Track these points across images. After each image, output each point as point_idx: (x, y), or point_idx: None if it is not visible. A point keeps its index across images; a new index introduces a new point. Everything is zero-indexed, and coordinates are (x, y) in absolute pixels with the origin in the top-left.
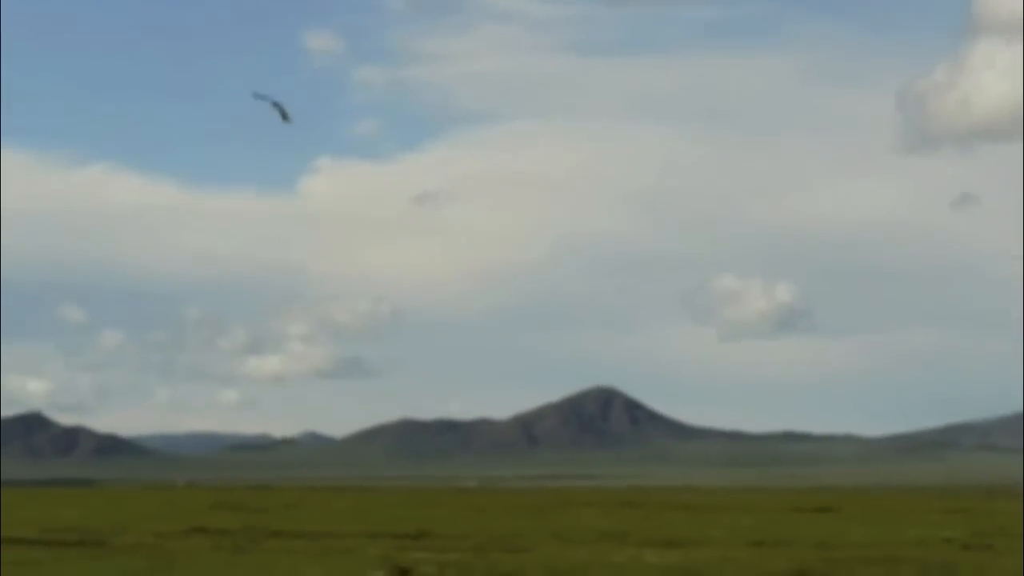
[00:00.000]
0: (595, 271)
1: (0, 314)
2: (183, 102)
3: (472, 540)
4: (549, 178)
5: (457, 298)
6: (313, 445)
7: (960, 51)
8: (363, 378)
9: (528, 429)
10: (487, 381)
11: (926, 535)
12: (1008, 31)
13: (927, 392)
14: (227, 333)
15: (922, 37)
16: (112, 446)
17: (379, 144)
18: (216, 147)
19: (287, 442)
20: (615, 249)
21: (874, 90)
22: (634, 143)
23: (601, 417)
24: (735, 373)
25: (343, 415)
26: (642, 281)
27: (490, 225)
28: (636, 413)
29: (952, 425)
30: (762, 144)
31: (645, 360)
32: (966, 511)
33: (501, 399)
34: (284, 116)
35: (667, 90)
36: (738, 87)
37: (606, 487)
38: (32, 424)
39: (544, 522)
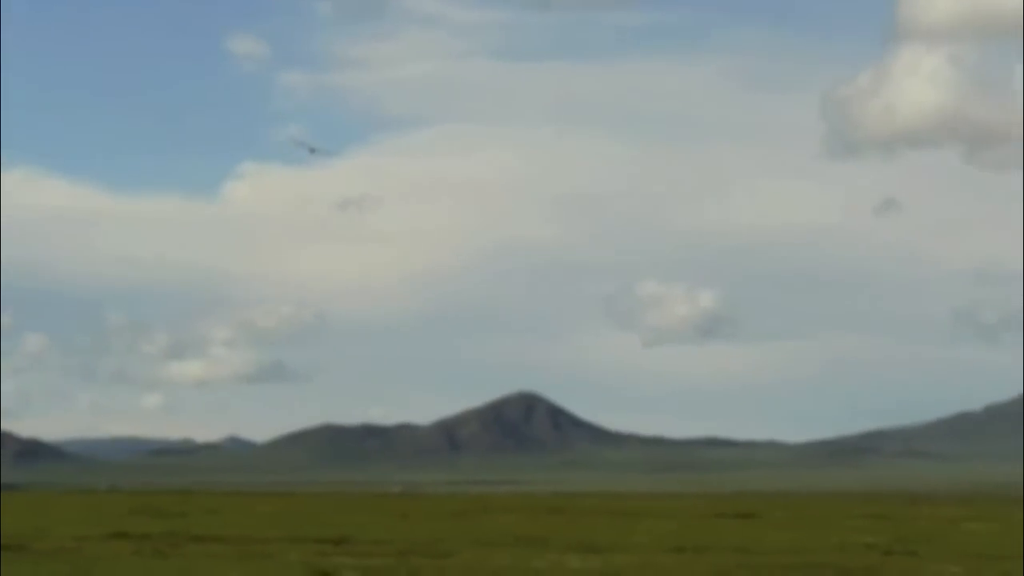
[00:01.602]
0: (519, 276)
1: None
2: (107, 106)
3: (394, 545)
4: (474, 184)
5: (380, 303)
6: (235, 450)
7: (884, 57)
8: (286, 383)
9: (451, 434)
10: (410, 386)
11: (848, 541)
12: (931, 38)
13: (850, 398)
14: (150, 338)
15: (846, 44)
16: (34, 451)
17: (303, 149)
18: (140, 152)
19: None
20: (539, 254)
21: (799, 96)
22: (559, 148)
23: (524, 423)
24: (658, 379)
25: (265, 420)
26: (566, 286)
27: (414, 230)
28: (559, 419)
29: (874, 431)
30: (687, 150)
31: (568, 366)
32: (888, 517)
33: (424, 404)
34: (313, 151)
35: (593, 96)
36: (664, 93)
37: (528, 492)
38: None
39: (466, 527)
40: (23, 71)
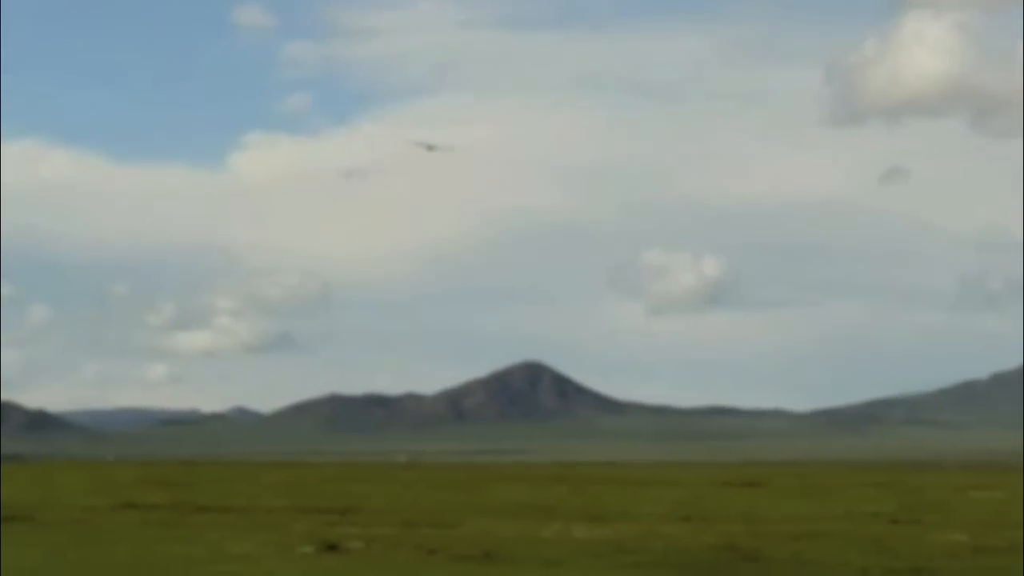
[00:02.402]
0: (524, 246)
1: None
2: (112, 76)
3: (400, 515)
4: (479, 154)
5: (386, 273)
6: (241, 420)
7: (889, 25)
8: (292, 353)
9: (456, 404)
10: (415, 356)
11: (854, 509)
12: (936, 5)
13: (855, 366)
14: (155, 308)
15: (851, 11)
16: (40, 422)
17: (309, 119)
18: (146, 122)
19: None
20: (545, 224)
21: (804, 64)
22: (564, 118)
23: (529, 392)
24: (663, 347)
25: (271, 390)
26: (571, 256)
27: (420, 200)
28: (564, 388)
29: (880, 399)
30: (691, 118)
31: (573, 335)
32: (894, 485)
33: (429, 374)
34: (431, 148)
35: (597, 65)
36: (669, 61)
37: (534, 462)
38: None
39: (472, 497)
40: (26, 42)
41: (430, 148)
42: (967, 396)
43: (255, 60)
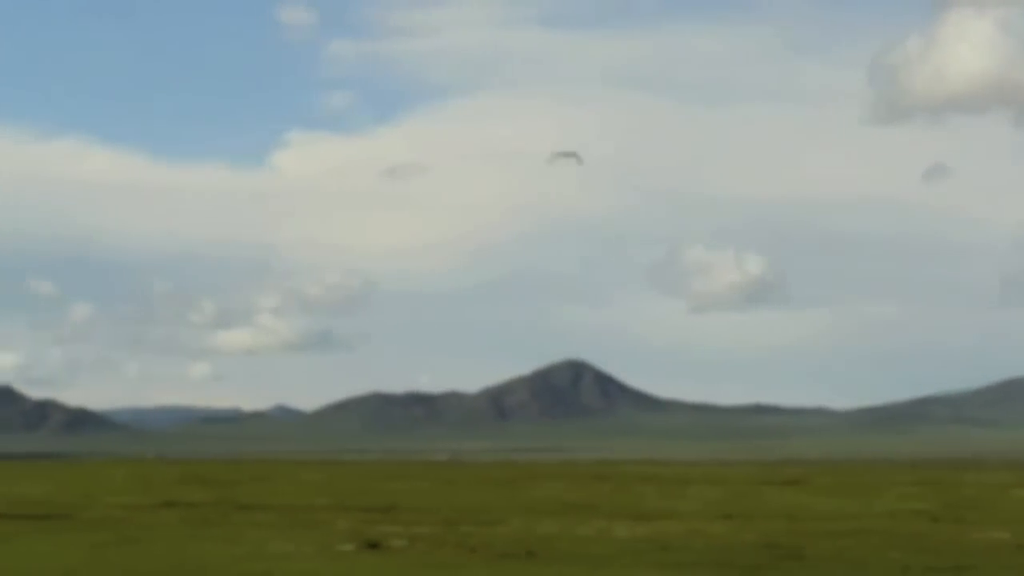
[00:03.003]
0: (566, 244)
1: None
2: (155, 76)
3: (441, 513)
4: (519, 151)
5: (427, 271)
6: (283, 418)
7: (932, 23)
8: (333, 351)
9: (498, 402)
10: (457, 354)
11: (896, 507)
12: (979, 3)
13: (898, 364)
14: (197, 307)
15: (895, 8)
16: (82, 420)
17: (351, 117)
18: (188, 121)
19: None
20: (586, 222)
21: (847, 62)
22: (604, 115)
23: (571, 390)
24: (705, 345)
25: (313, 388)
26: (613, 253)
27: (460, 198)
28: (606, 386)
29: (923, 397)
30: (734, 116)
31: (616, 333)
32: (936, 483)
33: (471, 372)
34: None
35: (637, 62)
36: (709, 59)
37: (575, 460)
38: (1, 398)
39: (513, 495)
40: (67, 40)
41: (567, 156)
42: (1009, 394)
43: (297, 58)
